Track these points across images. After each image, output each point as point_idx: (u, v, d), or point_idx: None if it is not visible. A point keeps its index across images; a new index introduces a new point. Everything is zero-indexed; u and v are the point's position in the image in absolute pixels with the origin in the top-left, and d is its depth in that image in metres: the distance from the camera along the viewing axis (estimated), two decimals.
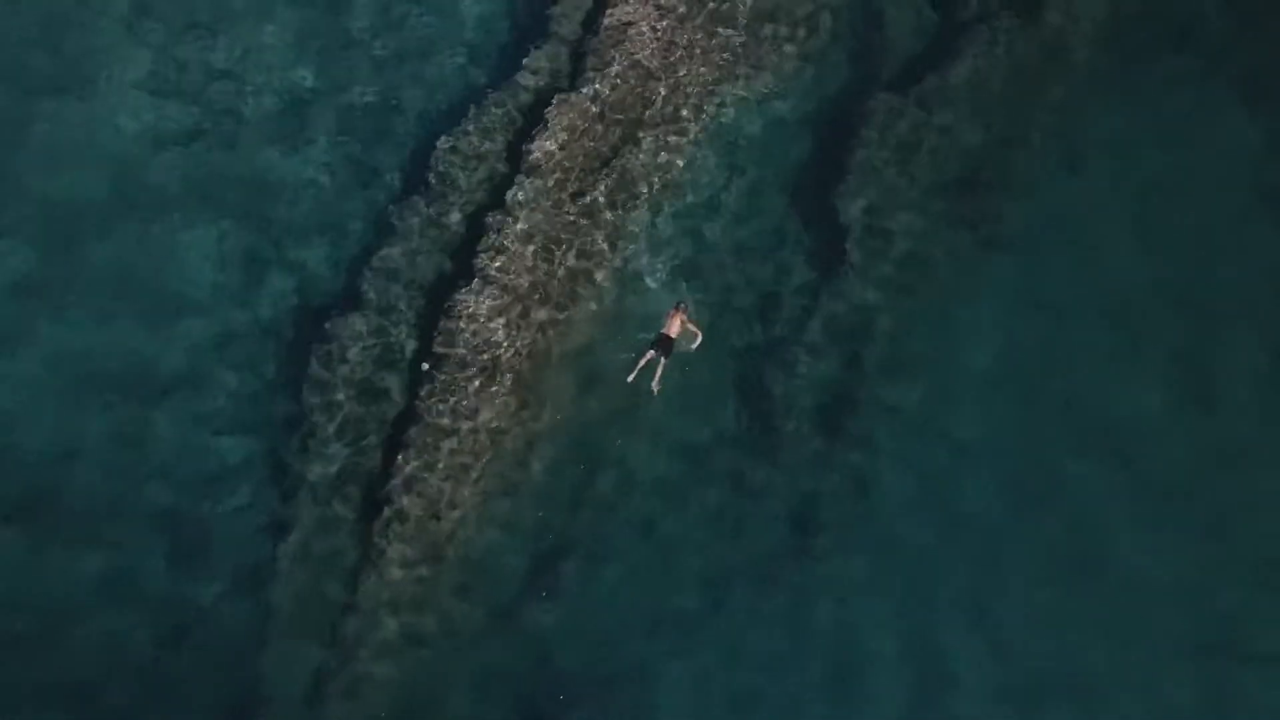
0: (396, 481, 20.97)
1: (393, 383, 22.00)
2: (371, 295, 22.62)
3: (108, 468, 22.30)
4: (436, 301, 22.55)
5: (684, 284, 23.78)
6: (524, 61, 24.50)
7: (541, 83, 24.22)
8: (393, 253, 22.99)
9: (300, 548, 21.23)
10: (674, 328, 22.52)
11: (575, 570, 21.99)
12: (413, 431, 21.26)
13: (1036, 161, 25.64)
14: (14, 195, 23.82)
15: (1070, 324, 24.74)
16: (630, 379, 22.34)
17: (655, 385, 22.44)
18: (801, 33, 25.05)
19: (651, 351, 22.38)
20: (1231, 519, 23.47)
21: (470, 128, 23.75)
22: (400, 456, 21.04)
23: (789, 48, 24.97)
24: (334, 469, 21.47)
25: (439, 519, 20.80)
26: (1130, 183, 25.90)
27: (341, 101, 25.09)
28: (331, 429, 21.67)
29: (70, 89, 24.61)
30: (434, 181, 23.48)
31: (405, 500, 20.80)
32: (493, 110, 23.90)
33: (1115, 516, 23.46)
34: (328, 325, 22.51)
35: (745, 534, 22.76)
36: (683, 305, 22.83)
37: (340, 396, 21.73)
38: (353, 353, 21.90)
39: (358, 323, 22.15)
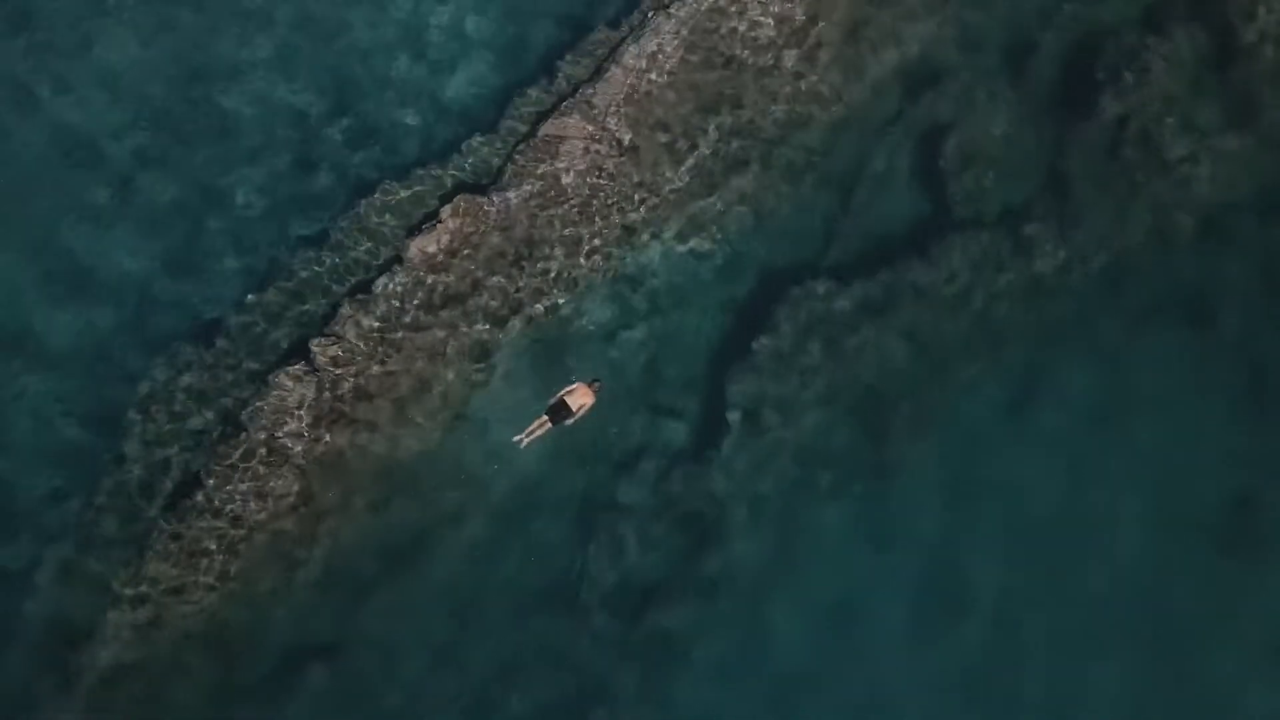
0: (156, 537, 20.56)
1: (200, 432, 21.55)
2: (227, 337, 22.18)
3: None
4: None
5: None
6: (462, 146, 23.37)
7: (466, 174, 23.04)
8: (265, 299, 22.51)
9: (65, 564, 21.13)
10: (576, 399, 21.28)
11: (320, 677, 21.29)
12: (192, 496, 20.77)
13: (970, 399, 23.13)
14: None
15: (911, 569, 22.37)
16: (517, 439, 21.29)
17: (524, 441, 21.33)
18: (748, 189, 23.06)
19: (545, 415, 21.28)
20: None
21: (384, 200, 22.86)
22: (163, 516, 20.63)
23: (735, 206, 23.07)
24: (118, 498, 21.23)
25: (180, 592, 20.35)
26: (1072, 454, 23.11)
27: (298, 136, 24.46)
28: (131, 461, 21.43)
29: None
30: (330, 245, 22.75)
31: (154, 560, 20.43)
32: (412, 188, 22.93)
33: None
34: (173, 353, 22.22)
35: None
36: (597, 384, 21.61)
37: (150, 435, 21.46)
38: (169, 397, 21.65)
39: (193, 363, 21.88)
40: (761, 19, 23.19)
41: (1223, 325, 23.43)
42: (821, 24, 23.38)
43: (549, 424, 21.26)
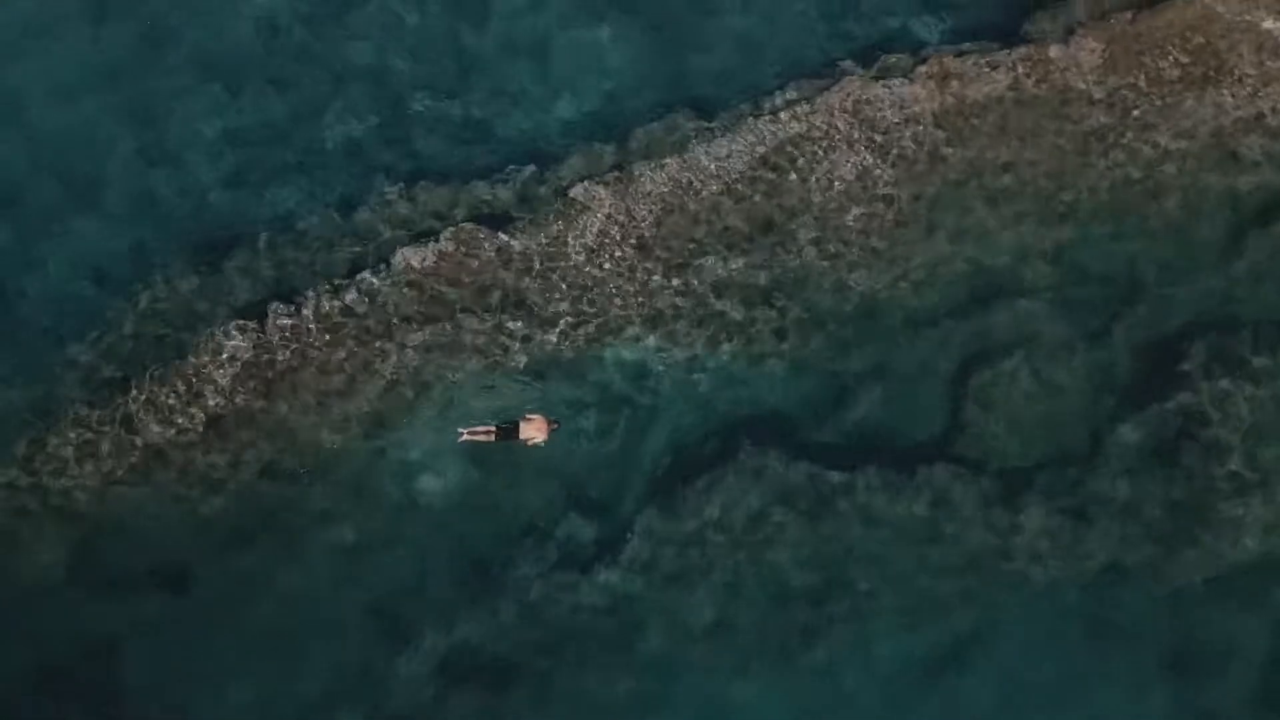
0: (64, 418, 21.52)
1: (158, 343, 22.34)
2: (225, 262, 22.79)
3: None
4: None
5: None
6: (512, 171, 22.86)
7: (503, 202, 22.48)
8: (274, 244, 22.89)
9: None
10: (530, 430, 21.13)
11: (159, 602, 21.88)
12: (112, 396, 21.57)
13: (884, 640, 20.95)
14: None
15: None
16: (460, 433, 21.29)
17: (464, 436, 21.30)
18: (751, 332, 21.53)
19: (495, 427, 21.22)
20: None
21: (407, 194, 22.72)
22: (77, 404, 21.60)
23: (730, 344, 21.59)
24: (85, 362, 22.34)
25: (63, 475, 21.35)
26: None
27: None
28: (103, 342, 22.42)
29: None
30: (354, 217, 22.90)
31: (52, 438, 21.43)
32: (443, 193, 22.69)
33: None
34: (181, 261, 23.01)
35: None
36: (555, 425, 21.31)
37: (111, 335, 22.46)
38: (147, 307, 22.50)
39: (174, 285, 22.63)
40: (847, 162, 21.42)
41: (1204, 690, 20.10)
42: (907, 192, 21.36)
43: (494, 436, 21.13)
